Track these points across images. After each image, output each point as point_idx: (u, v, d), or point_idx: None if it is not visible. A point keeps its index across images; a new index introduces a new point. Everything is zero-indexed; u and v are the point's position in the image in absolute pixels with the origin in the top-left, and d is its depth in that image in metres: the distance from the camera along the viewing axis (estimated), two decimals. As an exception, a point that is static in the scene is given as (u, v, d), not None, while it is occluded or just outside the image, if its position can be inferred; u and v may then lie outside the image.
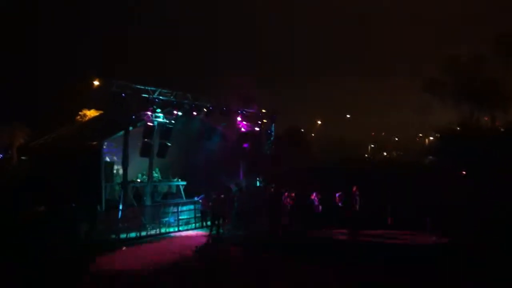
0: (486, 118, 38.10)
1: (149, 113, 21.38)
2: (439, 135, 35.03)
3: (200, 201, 22.79)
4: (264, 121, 27.89)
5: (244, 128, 26.08)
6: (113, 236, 19.17)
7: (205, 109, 23.97)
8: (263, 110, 27.61)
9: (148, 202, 22.23)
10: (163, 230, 21.13)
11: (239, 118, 25.83)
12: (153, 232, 20.72)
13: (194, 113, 23.46)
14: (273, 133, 27.99)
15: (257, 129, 26.85)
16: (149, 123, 21.40)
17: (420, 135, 61.91)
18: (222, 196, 21.29)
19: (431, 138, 48.61)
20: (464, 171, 23.13)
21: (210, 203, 21.31)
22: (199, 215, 22.86)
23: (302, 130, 31.26)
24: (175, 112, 22.46)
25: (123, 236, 19.39)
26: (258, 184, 25.63)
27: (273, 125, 28.10)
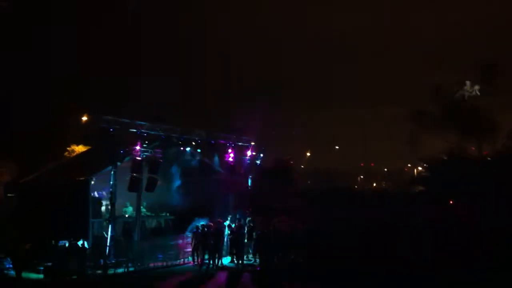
0: (473, 148, 38.42)
1: (137, 147, 21.39)
2: (426, 165, 35.21)
3: (191, 235, 22.55)
4: (254, 153, 27.97)
5: (232, 161, 26.11)
6: (100, 272, 18.87)
7: (193, 143, 24.05)
8: (252, 143, 27.71)
9: (136, 237, 21.99)
10: (151, 266, 20.82)
11: (228, 151, 25.88)
12: (141, 268, 20.41)
13: (183, 146, 23.56)
14: (261, 165, 28.01)
15: (246, 161, 26.89)
16: (137, 158, 21.37)
17: (409, 165, 62.25)
18: (211, 230, 21.18)
19: (420, 168, 48.88)
20: (452, 200, 23.22)
21: (200, 237, 21.20)
22: (188, 249, 22.55)
23: (292, 162, 31.25)
24: (163, 146, 22.51)
25: (110, 272, 19.08)
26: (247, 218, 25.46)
27: (262, 157, 28.15)
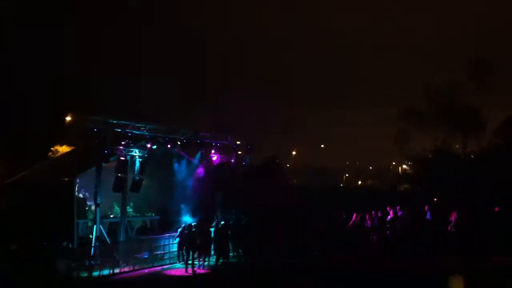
0: (458, 146, 38.87)
1: (122, 147, 21.24)
2: (411, 163, 35.59)
3: (178, 234, 22.34)
4: (239, 152, 27.92)
5: (219, 160, 26.04)
6: (85, 274, 18.68)
7: (179, 142, 23.91)
8: (238, 142, 27.64)
9: (121, 238, 21.82)
10: (137, 267, 20.65)
11: (213, 150, 25.78)
12: (127, 269, 20.24)
13: (169, 146, 23.41)
14: (249, 164, 27.92)
15: (232, 160, 26.82)
16: (122, 158, 21.22)
17: (394, 163, 62.72)
18: (198, 228, 21.05)
19: (404, 166, 49.36)
20: (436, 198, 23.44)
21: (187, 236, 21.06)
22: (174, 249, 22.38)
23: (278, 160, 31.26)
24: (148, 145, 22.36)
25: (95, 274, 18.90)
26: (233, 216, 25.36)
27: (248, 156, 28.08)
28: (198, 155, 25.63)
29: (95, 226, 20.41)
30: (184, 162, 25.08)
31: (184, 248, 21.08)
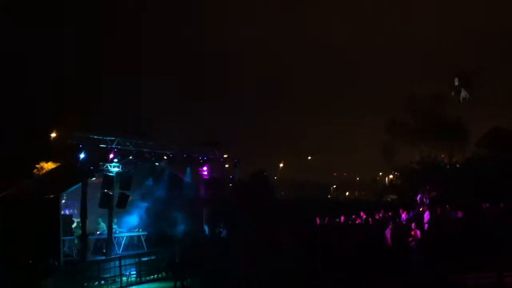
0: (443, 155, 39.18)
1: (107, 163, 21.10)
2: (398, 173, 35.77)
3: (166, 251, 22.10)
4: (227, 166, 27.91)
5: (206, 175, 25.98)
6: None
7: (165, 157, 23.83)
8: (225, 156, 27.63)
9: (109, 254, 21.58)
10: (124, 283, 20.38)
11: (201, 165, 25.73)
12: (114, 286, 19.99)
13: (155, 161, 23.31)
14: (236, 178, 27.86)
15: (219, 175, 26.77)
16: (108, 174, 21.07)
17: (380, 173, 63.06)
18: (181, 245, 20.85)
19: (391, 176, 49.62)
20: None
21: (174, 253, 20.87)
22: (163, 265, 22.09)
23: (265, 173, 31.26)
24: (135, 161, 22.25)
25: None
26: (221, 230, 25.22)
27: (237, 170, 28.06)
28: (188, 170, 25.56)
29: (81, 243, 20.16)
30: (171, 177, 24.92)
31: (172, 264, 20.89)
